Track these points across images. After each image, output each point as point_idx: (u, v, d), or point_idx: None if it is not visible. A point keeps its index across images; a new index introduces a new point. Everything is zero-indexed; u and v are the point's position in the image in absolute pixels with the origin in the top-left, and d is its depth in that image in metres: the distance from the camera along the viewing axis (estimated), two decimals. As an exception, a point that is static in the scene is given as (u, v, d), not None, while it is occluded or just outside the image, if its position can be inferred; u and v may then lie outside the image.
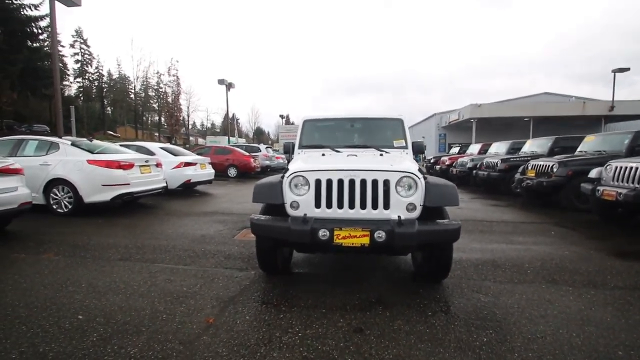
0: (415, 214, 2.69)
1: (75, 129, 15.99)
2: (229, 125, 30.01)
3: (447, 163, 14.19)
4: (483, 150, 13.41)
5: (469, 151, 14.86)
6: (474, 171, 10.87)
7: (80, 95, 41.69)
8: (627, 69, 20.37)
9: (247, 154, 13.75)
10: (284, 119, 43.92)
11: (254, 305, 2.60)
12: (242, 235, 4.77)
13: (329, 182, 2.76)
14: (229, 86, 23.26)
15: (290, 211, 2.80)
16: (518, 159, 9.35)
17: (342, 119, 4.35)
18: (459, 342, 2.09)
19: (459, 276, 3.19)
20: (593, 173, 5.71)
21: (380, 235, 2.51)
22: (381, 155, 3.61)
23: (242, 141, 31.78)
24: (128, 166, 5.77)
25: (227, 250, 3.99)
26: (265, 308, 2.55)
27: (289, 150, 4.28)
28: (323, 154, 3.76)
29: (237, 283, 3.01)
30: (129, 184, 5.74)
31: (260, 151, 15.42)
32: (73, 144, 5.97)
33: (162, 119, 24.86)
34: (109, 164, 5.70)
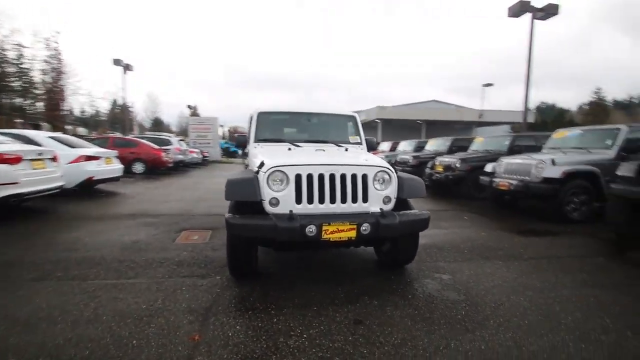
0: (391, 206, 2.86)
1: None
2: (126, 114, 25.90)
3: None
4: (393, 148, 14.92)
5: (379, 149, 16.38)
6: (389, 166, 12.03)
7: None
8: (492, 84, 25.42)
9: (156, 147, 12.18)
10: (192, 109, 40.25)
11: (238, 313, 2.38)
12: (183, 238, 4.25)
13: (309, 177, 2.70)
14: (127, 68, 20.00)
15: (269, 208, 2.65)
16: (426, 156, 10.73)
17: (298, 113, 4.28)
18: (445, 318, 2.33)
19: (415, 260, 3.52)
20: (488, 168, 6.98)
21: (366, 228, 2.59)
22: (346, 150, 3.69)
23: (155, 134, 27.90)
24: (14, 160, 4.47)
25: (174, 256, 3.51)
26: (253, 314, 2.36)
27: (242, 144, 4.00)
28: (290, 149, 3.64)
29: (206, 292, 2.70)
30: (17, 183, 4.46)
31: (172, 144, 13.85)
32: None
33: (30, 101, 19.71)
34: (-16, 158, 4.33)
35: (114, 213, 5.62)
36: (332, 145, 3.94)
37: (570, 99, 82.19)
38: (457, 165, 8.18)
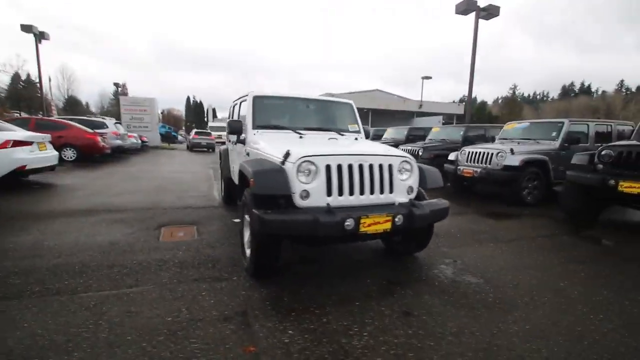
0: (413, 195, 2.89)
1: None
2: (34, 91, 21.79)
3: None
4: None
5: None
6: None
7: None
8: (430, 77, 27.22)
9: (89, 130, 10.56)
10: (119, 88, 35.41)
11: (280, 316, 2.20)
12: (167, 235, 3.79)
13: (339, 168, 2.58)
14: (41, 37, 16.59)
15: (300, 202, 2.48)
16: (389, 144, 11.13)
17: (295, 99, 4.04)
18: (480, 302, 2.45)
19: (420, 247, 3.65)
20: (452, 156, 7.51)
21: (399, 219, 2.58)
22: (356, 139, 3.61)
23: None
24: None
25: (170, 257, 3.11)
26: (297, 316, 2.20)
27: (237, 130, 3.65)
28: (301, 137, 3.42)
29: (230, 295, 2.44)
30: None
31: (107, 127, 12.14)
32: None
33: None
34: None
35: (65, 209, 4.75)
36: (334, 133, 3.83)
37: (489, 93, 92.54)
38: (421, 153, 8.65)
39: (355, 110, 4.28)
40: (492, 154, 6.43)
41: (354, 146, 3.04)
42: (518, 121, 7.83)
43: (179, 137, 32.29)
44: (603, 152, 4.62)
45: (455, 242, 3.90)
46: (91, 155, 10.71)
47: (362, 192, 2.65)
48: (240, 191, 3.22)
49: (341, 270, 3.00)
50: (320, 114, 4.08)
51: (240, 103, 4.35)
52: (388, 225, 2.55)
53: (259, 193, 2.42)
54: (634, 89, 67.18)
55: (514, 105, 47.25)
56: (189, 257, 3.14)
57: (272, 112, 3.84)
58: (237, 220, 4.51)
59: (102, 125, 12.10)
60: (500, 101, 70.18)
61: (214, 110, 58.04)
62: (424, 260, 3.30)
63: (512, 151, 6.17)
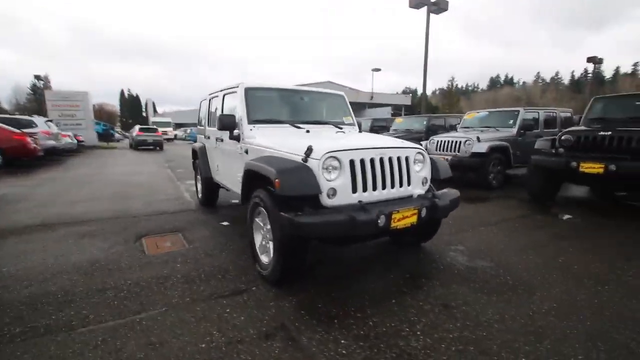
0: (427, 187, 2.90)
1: None
2: None
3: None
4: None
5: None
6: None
7: None
8: (380, 70, 28.08)
9: (16, 130, 8.99)
10: (41, 82, 30.73)
11: (324, 325, 2.05)
12: (153, 247, 3.37)
13: (362, 163, 2.48)
14: None
15: (327, 201, 2.33)
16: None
17: (289, 90, 3.80)
18: (504, 286, 2.55)
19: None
20: (422, 145, 7.80)
21: (424, 211, 2.56)
22: (360, 132, 3.50)
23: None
24: None
25: (169, 273, 2.75)
26: (342, 322, 2.07)
27: (229, 126, 3.33)
28: (308, 131, 3.22)
29: (258, 309, 2.22)
30: None
31: (36, 126, 10.46)
32: None
33: None
34: None
35: (12, 225, 3.97)
36: (331, 126, 3.70)
37: (428, 85, 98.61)
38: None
39: (348, 102, 4.17)
40: (461, 142, 6.80)
41: (369, 140, 2.93)
42: (477, 111, 8.38)
43: (116, 135, 29.24)
44: (563, 137, 5.11)
45: (452, 228, 4.03)
46: (20, 159, 9.18)
47: (383, 187, 2.58)
48: (247, 193, 2.95)
49: (358, 268, 2.91)
50: (315, 107, 3.90)
51: (224, 96, 3.99)
52: (415, 219, 2.52)
53: (287, 194, 2.21)
54: (548, 80, 76.54)
55: (452, 97, 50.84)
56: (190, 269, 2.81)
57: (267, 105, 3.57)
58: (226, 223, 4.19)
59: (30, 124, 10.43)
60: (437, 93, 75.31)
61: (153, 105, 53.54)
62: (431, 249, 3.35)
63: (478, 139, 6.58)
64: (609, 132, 4.55)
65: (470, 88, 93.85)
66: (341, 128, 3.73)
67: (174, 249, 3.31)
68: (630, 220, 4.37)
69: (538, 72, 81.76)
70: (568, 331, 1.98)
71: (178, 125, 37.41)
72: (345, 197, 2.40)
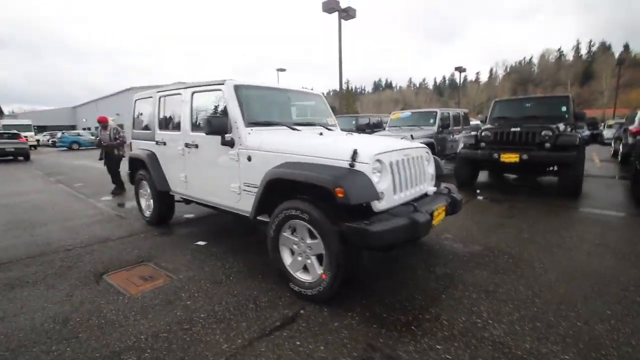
0: (434, 183, 3.11)
1: None
2: None
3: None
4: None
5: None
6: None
7: None
8: (285, 70, 28.24)
9: None
10: None
11: (408, 335, 1.99)
12: (134, 287, 2.66)
13: (397, 164, 2.51)
14: None
15: (378, 205, 2.28)
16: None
17: (276, 89, 3.50)
18: (512, 265, 2.92)
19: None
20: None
21: (449, 208, 2.75)
22: (366, 131, 3.45)
23: None
24: None
25: (183, 314, 2.22)
26: (419, 327, 2.05)
27: (221, 130, 2.87)
28: (321, 133, 2.99)
29: (330, 331, 2.01)
30: None
31: None
32: None
33: None
34: None
35: None
36: (320, 127, 3.57)
37: (323, 86, 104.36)
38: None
39: (326, 102, 4.08)
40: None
41: (389, 141, 2.94)
42: (401, 111, 9.30)
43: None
44: (483, 134, 6.13)
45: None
46: None
47: (410, 186, 2.65)
48: (262, 205, 2.60)
49: (379, 269, 2.91)
50: (301, 107, 3.69)
51: (193, 94, 3.41)
52: (443, 215, 2.67)
53: (351, 203, 2.03)
54: (418, 85, 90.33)
55: (350, 97, 55.05)
56: (208, 305, 2.32)
57: (257, 105, 3.19)
58: (202, 243, 3.61)
59: None
60: (331, 94, 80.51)
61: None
62: (426, 241, 3.59)
63: (412, 137, 7.33)
64: (519, 129, 5.69)
65: (358, 90, 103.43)
66: (331, 129, 3.64)
67: (161, 284, 2.68)
68: (519, 195, 5.58)
69: (410, 78, 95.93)
70: (589, 294, 2.40)
71: (39, 129, 29.99)
72: (389, 200, 2.37)
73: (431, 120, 8.26)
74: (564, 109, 6.27)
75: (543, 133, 5.44)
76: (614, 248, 3.25)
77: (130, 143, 4.66)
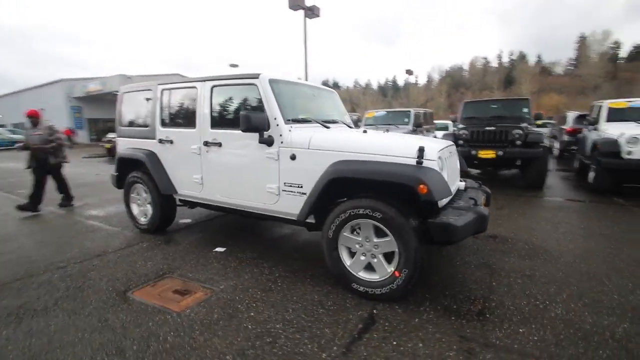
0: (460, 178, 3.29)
1: None
2: None
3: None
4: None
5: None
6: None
7: None
8: (237, 65, 27.25)
9: None
10: None
11: (488, 323, 2.08)
12: (169, 301, 2.36)
13: (446, 160, 2.61)
14: None
15: (442, 201, 2.35)
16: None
17: (305, 85, 3.41)
18: (528, 251, 3.21)
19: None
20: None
21: (486, 200, 2.93)
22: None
23: None
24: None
25: (255, 327, 2.05)
26: (493, 315, 2.15)
27: (260, 127, 2.69)
28: (365, 130, 2.94)
29: (416, 329, 2.02)
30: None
31: None
32: None
33: None
34: None
35: None
36: (344, 125, 3.54)
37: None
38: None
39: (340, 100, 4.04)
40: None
41: (425, 138, 3.02)
42: (376, 110, 9.58)
43: None
44: (461, 133, 6.61)
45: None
46: None
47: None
48: (318, 204, 2.50)
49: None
50: (324, 104, 3.59)
51: (213, 88, 3.13)
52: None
53: (435, 200, 2.05)
54: (364, 85, 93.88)
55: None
56: (283, 314, 2.17)
57: (290, 101, 3.04)
58: (221, 249, 3.35)
59: None
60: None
61: None
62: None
63: (391, 135, 7.62)
64: (494, 128, 6.25)
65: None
66: (350, 127, 3.63)
67: (204, 297, 2.42)
68: (491, 188, 6.19)
69: (356, 79, 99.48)
70: (609, 271, 2.74)
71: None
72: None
73: (405, 119, 8.66)
74: (525, 110, 7.04)
75: (514, 132, 6.05)
76: (602, 232, 3.76)
77: (115, 142, 4.12)
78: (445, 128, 12.40)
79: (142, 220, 3.88)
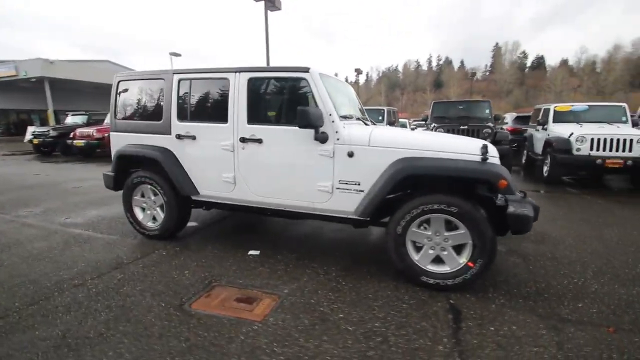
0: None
1: None
2: None
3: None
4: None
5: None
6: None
7: None
8: (180, 55, 25.27)
9: None
10: None
11: (558, 308, 2.33)
12: (238, 307, 2.19)
13: None
14: None
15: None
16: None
17: (340, 81, 3.31)
18: (538, 237, 3.63)
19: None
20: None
21: None
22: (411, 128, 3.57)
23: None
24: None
25: (357, 330, 2.01)
26: (554, 303, 2.41)
27: (317, 122, 2.61)
28: (413, 128, 2.97)
29: (502, 322, 2.18)
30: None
31: None
32: None
33: None
34: None
35: None
36: (367, 120, 3.59)
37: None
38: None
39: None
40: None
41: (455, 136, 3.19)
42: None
43: None
44: (437, 131, 7.13)
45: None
46: None
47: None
48: (386, 201, 2.52)
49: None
50: (349, 99, 3.56)
51: (250, 80, 2.90)
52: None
53: (511, 194, 2.23)
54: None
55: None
56: (373, 313, 2.15)
57: (335, 97, 2.96)
58: (255, 252, 3.17)
59: None
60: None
61: None
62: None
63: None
64: (467, 127, 6.86)
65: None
66: (368, 123, 3.67)
67: (275, 303, 2.28)
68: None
69: (336, 74, 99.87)
70: (617, 255, 3.24)
71: None
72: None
73: (380, 117, 8.99)
74: (487, 111, 7.85)
75: (484, 130, 6.73)
76: (582, 217, 4.41)
77: (109, 137, 3.57)
78: (404, 126, 13.17)
79: (150, 224, 3.44)
